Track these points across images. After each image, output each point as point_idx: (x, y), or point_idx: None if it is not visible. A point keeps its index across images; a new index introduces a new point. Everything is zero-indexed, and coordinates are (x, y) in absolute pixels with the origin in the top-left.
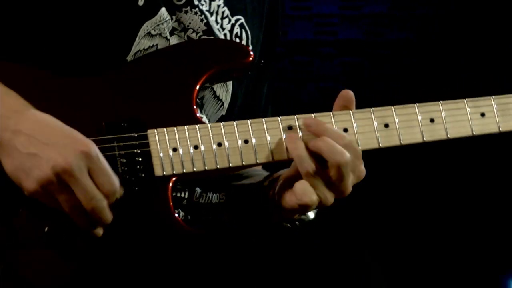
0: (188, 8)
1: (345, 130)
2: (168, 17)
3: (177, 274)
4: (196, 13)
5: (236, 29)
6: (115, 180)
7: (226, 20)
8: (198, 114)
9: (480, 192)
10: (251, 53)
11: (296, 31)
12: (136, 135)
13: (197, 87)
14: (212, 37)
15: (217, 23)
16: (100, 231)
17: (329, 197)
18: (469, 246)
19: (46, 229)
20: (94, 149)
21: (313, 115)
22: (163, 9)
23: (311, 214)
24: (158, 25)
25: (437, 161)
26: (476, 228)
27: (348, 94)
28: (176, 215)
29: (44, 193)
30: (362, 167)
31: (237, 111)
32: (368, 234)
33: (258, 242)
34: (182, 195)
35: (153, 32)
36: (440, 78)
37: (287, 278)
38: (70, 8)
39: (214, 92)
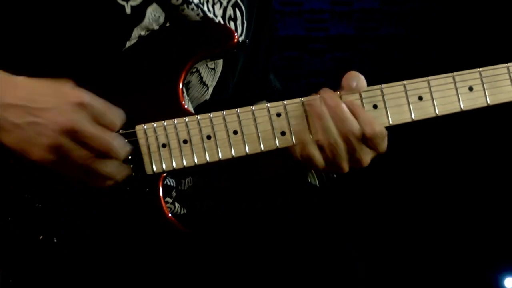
0: (185, 6)
1: None
2: (159, 14)
3: (172, 274)
4: (192, 9)
5: (229, 11)
6: (118, 112)
7: (217, 6)
8: (185, 105)
9: (469, 187)
10: (235, 34)
11: (287, 27)
12: (124, 132)
13: (183, 75)
14: (194, 20)
15: (209, 11)
16: (118, 175)
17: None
18: (460, 243)
19: (40, 237)
20: (86, 95)
21: (301, 99)
22: (150, 9)
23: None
24: (147, 26)
25: (424, 158)
26: (467, 225)
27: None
28: (170, 207)
29: (55, 157)
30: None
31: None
32: (353, 230)
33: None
34: (171, 183)
35: (143, 34)
36: (431, 73)
37: (275, 272)
38: (61, 18)
39: (201, 78)
